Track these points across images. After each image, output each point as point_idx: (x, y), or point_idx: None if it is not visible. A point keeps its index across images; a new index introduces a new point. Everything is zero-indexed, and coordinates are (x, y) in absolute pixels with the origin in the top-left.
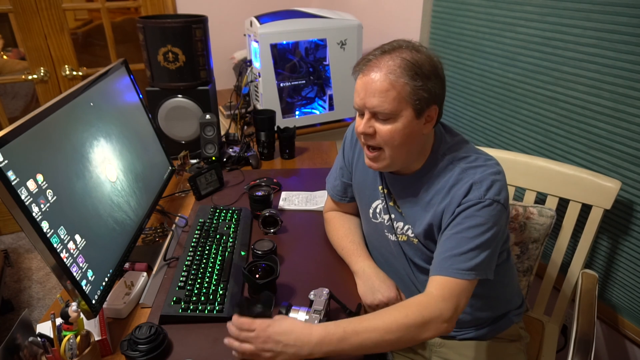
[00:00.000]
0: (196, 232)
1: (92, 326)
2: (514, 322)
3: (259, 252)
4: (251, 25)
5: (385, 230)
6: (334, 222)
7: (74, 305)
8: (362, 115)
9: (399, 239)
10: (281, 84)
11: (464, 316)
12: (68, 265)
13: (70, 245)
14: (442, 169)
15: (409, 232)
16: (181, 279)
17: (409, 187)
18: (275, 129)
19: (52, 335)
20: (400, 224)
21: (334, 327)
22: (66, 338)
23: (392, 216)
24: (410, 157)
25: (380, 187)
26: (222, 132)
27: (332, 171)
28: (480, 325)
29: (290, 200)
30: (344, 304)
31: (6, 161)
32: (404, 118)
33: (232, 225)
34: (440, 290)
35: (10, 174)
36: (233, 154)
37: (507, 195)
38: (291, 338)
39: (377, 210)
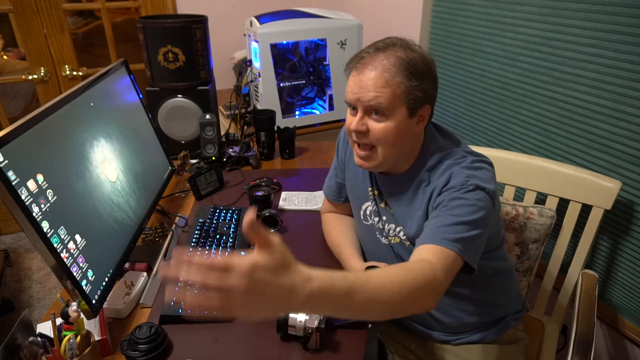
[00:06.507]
0: (196, 232)
1: (92, 326)
2: (511, 326)
3: None
4: (251, 25)
5: (377, 233)
6: (328, 223)
7: (74, 305)
8: (353, 110)
9: (391, 241)
10: (281, 84)
11: (462, 320)
12: (68, 265)
13: (71, 245)
14: (430, 167)
15: (401, 234)
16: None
17: (398, 187)
18: (275, 129)
19: (52, 335)
20: (392, 226)
21: (338, 276)
22: (66, 338)
23: (384, 218)
24: (402, 157)
25: (370, 189)
26: (222, 132)
27: (329, 172)
28: (477, 329)
29: (290, 200)
30: None
31: (6, 161)
32: (397, 116)
33: (232, 225)
34: (439, 260)
35: (11, 174)
36: (233, 154)
37: (494, 188)
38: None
39: (368, 213)
